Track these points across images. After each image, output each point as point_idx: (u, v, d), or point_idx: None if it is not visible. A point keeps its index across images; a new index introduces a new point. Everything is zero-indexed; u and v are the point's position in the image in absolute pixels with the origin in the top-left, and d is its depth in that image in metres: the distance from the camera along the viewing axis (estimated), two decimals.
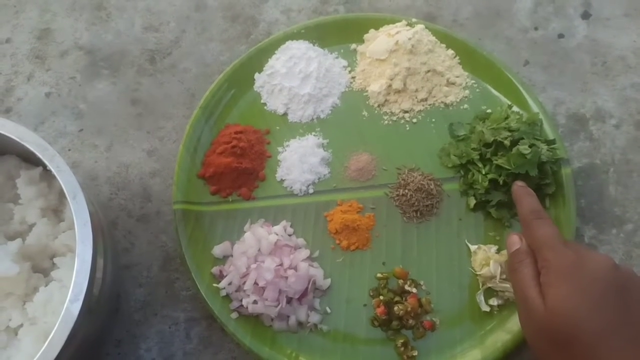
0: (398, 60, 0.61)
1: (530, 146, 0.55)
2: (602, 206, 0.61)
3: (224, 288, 0.53)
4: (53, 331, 0.39)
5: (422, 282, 0.55)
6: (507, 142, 0.56)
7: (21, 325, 0.47)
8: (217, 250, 0.56)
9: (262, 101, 0.63)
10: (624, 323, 0.39)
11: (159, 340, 0.55)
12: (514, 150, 0.55)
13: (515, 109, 0.61)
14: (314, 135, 0.62)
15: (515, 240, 0.49)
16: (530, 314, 0.43)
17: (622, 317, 0.39)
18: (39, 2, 0.71)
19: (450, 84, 0.63)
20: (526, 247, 0.47)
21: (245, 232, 0.56)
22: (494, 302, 0.53)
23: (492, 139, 0.57)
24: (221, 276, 0.54)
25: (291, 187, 0.59)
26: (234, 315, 0.53)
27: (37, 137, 0.45)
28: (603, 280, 0.41)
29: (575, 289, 0.41)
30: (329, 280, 0.55)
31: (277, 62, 0.63)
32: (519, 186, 0.53)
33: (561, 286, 0.41)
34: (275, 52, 0.65)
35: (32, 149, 0.44)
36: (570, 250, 0.43)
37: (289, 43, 0.65)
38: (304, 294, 0.53)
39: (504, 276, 0.53)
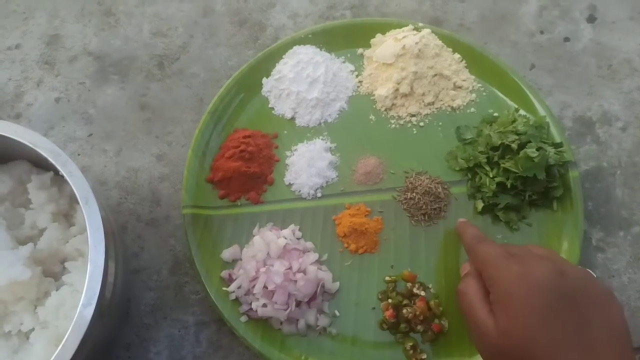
0: (405, 64, 0.62)
1: (537, 149, 0.55)
2: (610, 209, 0.61)
3: (234, 292, 0.53)
4: (66, 335, 0.39)
5: (430, 285, 0.55)
6: (514, 146, 0.56)
7: (33, 330, 0.47)
8: (226, 254, 0.56)
9: (270, 106, 0.64)
10: (577, 331, 0.38)
11: (168, 343, 0.55)
12: (522, 153, 0.55)
13: (522, 112, 0.61)
14: (322, 139, 0.62)
15: (464, 268, 0.49)
16: (483, 336, 0.42)
17: (574, 325, 0.39)
18: (47, 9, 0.71)
19: (457, 87, 0.64)
20: (473, 270, 0.47)
21: (254, 235, 0.57)
22: None
23: (499, 142, 0.57)
24: (230, 280, 0.54)
25: (299, 191, 0.59)
26: (244, 318, 0.53)
27: (50, 142, 0.45)
28: (549, 290, 0.40)
29: (523, 305, 0.40)
30: (337, 284, 0.55)
31: (285, 67, 0.64)
32: (461, 221, 0.55)
33: (509, 303, 0.40)
34: (283, 56, 0.65)
35: (44, 154, 0.44)
36: (513, 263, 0.42)
37: (296, 48, 0.65)
38: (313, 297, 0.53)
39: None
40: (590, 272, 0.46)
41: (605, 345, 0.38)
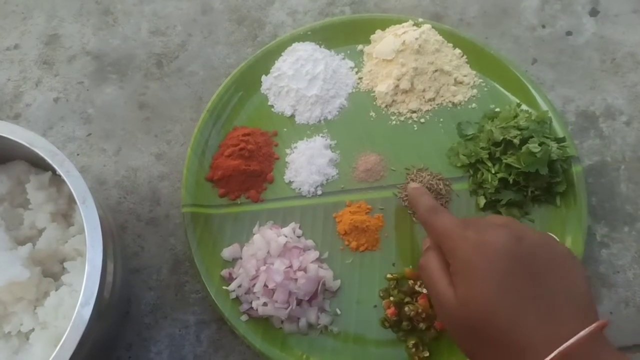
0: (405, 60, 0.61)
1: (540, 144, 0.54)
2: (614, 204, 0.60)
3: (234, 290, 0.53)
4: (65, 336, 0.39)
5: None
6: (516, 141, 0.55)
7: (32, 330, 0.47)
8: (227, 252, 0.56)
9: (269, 103, 0.63)
10: (536, 296, 0.38)
11: (169, 343, 0.55)
12: (524, 148, 0.54)
13: (524, 107, 0.61)
14: (322, 136, 0.61)
15: (425, 243, 0.48)
16: (444, 308, 0.41)
17: (533, 290, 0.38)
18: (46, 8, 0.71)
19: (458, 83, 0.63)
20: (432, 244, 0.46)
21: (254, 234, 0.56)
22: None
23: (501, 137, 0.56)
24: (231, 279, 0.54)
25: (299, 189, 0.59)
26: (244, 317, 0.53)
27: (47, 142, 0.45)
28: (506, 257, 0.39)
29: (480, 273, 0.39)
30: (338, 282, 0.55)
31: (284, 64, 0.63)
32: (412, 188, 0.53)
33: (467, 273, 0.40)
34: (282, 54, 0.65)
35: (41, 154, 0.44)
36: (470, 232, 0.41)
37: (295, 45, 0.65)
38: (313, 295, 0.52)
39: None
40: (553, 236, 0.44)
41: (566, 308, 0.37)
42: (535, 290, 0.38)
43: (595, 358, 0.35)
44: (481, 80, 0.64)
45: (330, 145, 0.61)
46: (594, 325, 0.36)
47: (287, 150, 0.61)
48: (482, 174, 0.58)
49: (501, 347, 0.37)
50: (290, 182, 0.59)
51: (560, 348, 0.35)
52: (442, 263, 0.43)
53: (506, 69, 0.63)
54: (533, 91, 0.61)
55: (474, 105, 0.63)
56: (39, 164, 0.52)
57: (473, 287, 0.39)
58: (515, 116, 0.59)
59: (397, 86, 0.62)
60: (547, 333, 0.36)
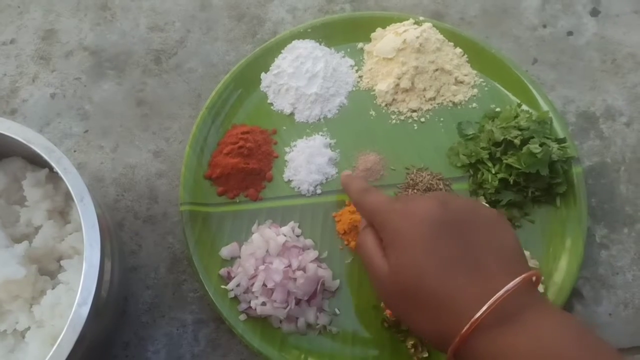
0: (406, 59, 0.61)
1: (540, 145, 0.54)
2: (614, 205, 0.60)
3: (232, 290, 0.53)
4: (61, 335, 0.38)
5: None
6: (517, 141, 0.55)
7: (28, 329, 0.46)
8: (225, 251, 0.55)
9: (268, 101, 0.63)
10: (463, 255, 0.38)
11: (166, 342, 0.54)
12: (524, 149, 0.54)
13: (524, 107, 0.61)
14: (321, 135, 0.61)
15: (361, 224, 0.49)
16: (380, 281, 0.42)
17: (460, 250, 0.38)
18: (42, 3, 0.70)
19: (458, 82, 0.63)
20: (367, 222, 0.46)
21: (253, 233, 0.56)
22: None
23: (501, 138, 0.56)
24: (229, 278, 0.54)
25: (299, 188, 0.58)
26: (243, 317, 0.52)
27: (44, 138, 0.44)
28: (431, 221, 0.39)
29: (407, 239, 0.40)
30: (337, 282, 0.54)
31: (284, 62, 0.63)
32: (344, 175, 0.55)
33: (396, 242, 0.41)
34: (282, 51, 0.64)
35: (38, 151, 0.44)
36: (397, 204, 0.43)
37: (295, 42, 0.64)
38: (312, 295, 0.52)
39: None
40: (481, 202, 0.44)
41: (494, 264, 0.38)
42: (462, 250, 0.38)
43: (526, 308, 0.35)
44: (482, 79, 0.63)
45: (330, 144, 0.61)
46: (522, 276, 0.36)
47: (287, 149, 0.60)
48: (483, 174, 0.57)
49: (433, 308, 0.38)
50: (290, 181, 0.59)
51: (490, 301, 0.35)
52: (376, 239, 0.44)
53: (507, 68, 0.62)
54: (534, 91, 0.61)
55: (474, 104, 0.62)
56: (35, 161, 0.51)
57: (402, 254, 0.40)
58: (516, 116, 0.58)
59: (397, 85, 0.62)
60: (477, 289, 0.37)
